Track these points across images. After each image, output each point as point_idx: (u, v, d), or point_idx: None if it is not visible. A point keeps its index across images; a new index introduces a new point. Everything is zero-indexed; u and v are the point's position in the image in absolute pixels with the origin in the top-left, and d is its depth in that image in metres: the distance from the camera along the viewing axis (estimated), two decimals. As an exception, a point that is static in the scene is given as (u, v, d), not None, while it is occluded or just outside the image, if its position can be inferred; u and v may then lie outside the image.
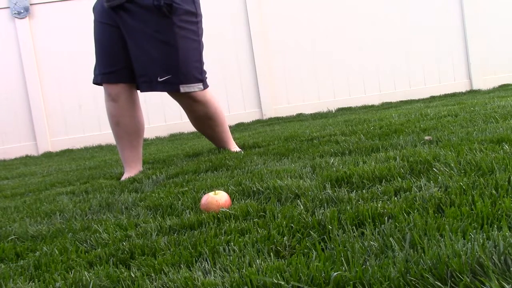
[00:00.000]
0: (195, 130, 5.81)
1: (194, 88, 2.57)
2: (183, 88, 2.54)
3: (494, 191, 1.24)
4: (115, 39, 2.56)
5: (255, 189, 1.71)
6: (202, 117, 2.75)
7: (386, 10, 6.13)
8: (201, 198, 1.63)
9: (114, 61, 2.58)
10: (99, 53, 2.63)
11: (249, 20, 5.98)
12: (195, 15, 2.59)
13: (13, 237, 1.60)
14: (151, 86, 2.55)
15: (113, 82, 2.58)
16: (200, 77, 2.59)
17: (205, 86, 2.64)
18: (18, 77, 5.80)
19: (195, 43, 2.59)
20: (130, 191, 2.11)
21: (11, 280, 1.21)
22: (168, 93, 2.65)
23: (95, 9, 2.68)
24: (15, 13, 5.75)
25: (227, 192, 1.68)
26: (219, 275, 1.04)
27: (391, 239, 1.06)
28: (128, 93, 2.61)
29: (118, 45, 2.56)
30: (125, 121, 2.61)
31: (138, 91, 2.68)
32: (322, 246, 1.12)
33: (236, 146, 2.95)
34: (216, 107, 2.76)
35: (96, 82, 2.64)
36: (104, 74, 2.60)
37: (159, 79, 2.51)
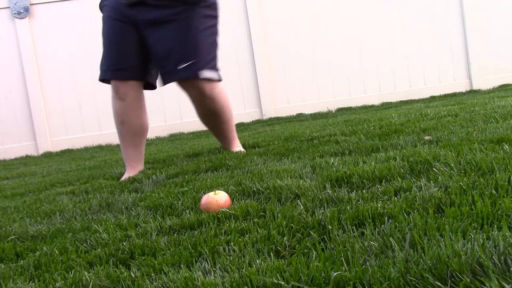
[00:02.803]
0: (195, 130, 5.82)
1: (213, 75, 2.59)
2: (202, 74, 2.55)
3: (494, 191, 1.24)
4: (128, 36, 2.57)
5: (255, 189, 1.71)
6: (209, 112, 2.75)
7: (386, 10, 6.13)
8: (201, 198, 1.63)
9: (126, 58, 2.58)
10: (110, 49, 2.61)
11: (249, 20, 5.98)
12: (216, 10, 2.65)
13: (13, 237, 1.60)
14: (172, 75, 2.57)
15: (123, 78, 2.58)
16: (216, 68, 2.64)
17: (219, 78, 2.65)
18: (18, 77, 5.81)
19: (213, 36, 2.63)
20: (130, 191, 2.11)
21: (11, 280, 1.21)
22: (180, 84, 2.64)
23: (105, 6, 2.65)
24: (15, 13, 5.75)
25: (227, 192, 1.68)
26: (219, 275, 1.04)
27: (391, 239, 1.06)
28: (136, 91, 2.62)
29: (131, 42, 2.57)
30: (131, 120, 2.62)
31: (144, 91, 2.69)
32: (322, 246, 1.12)
33: (240, 146, 2.95)
34: (223, 104, 2.76)
35: (104, 78, 2.62)
36: (114, 70, 2.59)
37: (179, 67, 2.53)
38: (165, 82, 2.64)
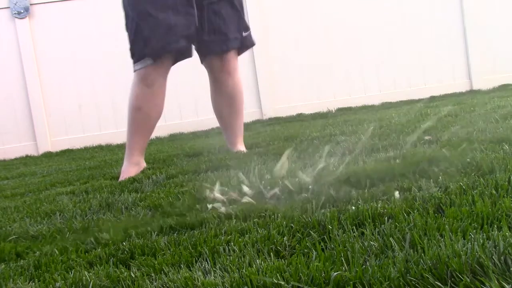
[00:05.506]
0: (195, 130, 5.81)
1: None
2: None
3: (494, 191, 1.24)
4: (193, 18, 2.60)
5: (255, 189, 1.71)
6: (228, 94, 2.80)
7: (386, 10, 6.13)
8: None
9: (188, 36, 2.61)
10: (173, 24, 2.54)
11: (249, 19, 5.97)
12: None
13: (13, 237, 1.60)
14: (240, 40, 2.72)
15: (183, 54, 2.63)
16: None
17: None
18: (18, 77, 5.80)
19: None
20: (130, 191, 2.11)
21: (11, 280, 1.21)
22: (215, 56, 2.72)
23: None
24: (15, 13, 5.75)
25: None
26: (219, 275, 1.04)
27: (391, 239, 1.06)
28: (164, 79, 2.62)
29: (193, 21, 2.60)
30: (149, 108, 2.60)
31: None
32: (322, 246, 1.12)
33: (243, 145, 2.94)
34: (240, 89, 2.85)
35: (162, 52, 2.54)
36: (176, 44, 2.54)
37: (244, 34, 2.75)
38: (220, 48, 2.69)
